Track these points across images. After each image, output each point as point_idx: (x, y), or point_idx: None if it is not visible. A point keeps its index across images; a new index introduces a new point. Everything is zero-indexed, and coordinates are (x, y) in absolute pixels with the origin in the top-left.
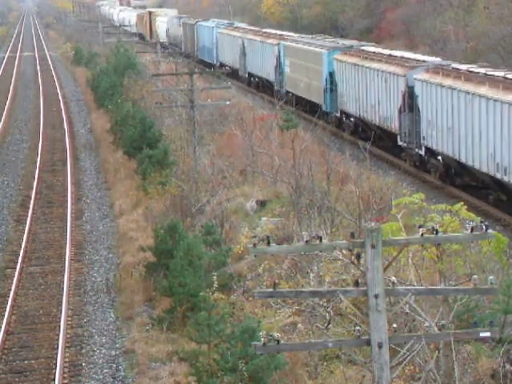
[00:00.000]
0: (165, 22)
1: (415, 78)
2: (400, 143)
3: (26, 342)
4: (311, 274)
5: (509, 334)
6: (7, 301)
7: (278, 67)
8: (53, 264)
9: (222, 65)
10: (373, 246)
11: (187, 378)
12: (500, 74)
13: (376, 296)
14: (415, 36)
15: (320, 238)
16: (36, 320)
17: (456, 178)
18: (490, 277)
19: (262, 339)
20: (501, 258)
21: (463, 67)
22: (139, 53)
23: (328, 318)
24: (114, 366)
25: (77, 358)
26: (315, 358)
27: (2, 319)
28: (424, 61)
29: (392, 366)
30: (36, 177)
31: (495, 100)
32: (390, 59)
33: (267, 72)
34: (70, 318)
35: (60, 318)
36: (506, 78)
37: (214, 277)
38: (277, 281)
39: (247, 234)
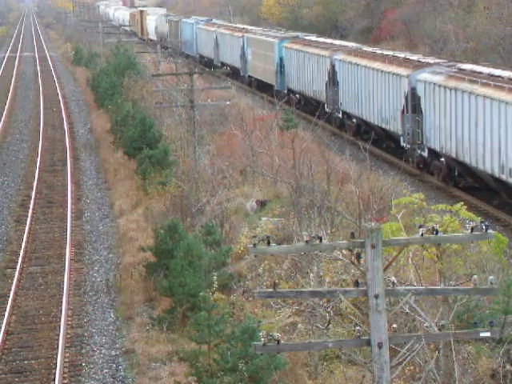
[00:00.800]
0: (154, 20)
1: (336, 58)
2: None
3: (26, 342)
4: (311, 274)
5: (509, 334)
6: (7, 301)
7: (243, 56)
8: (53, 264)
9: (200, 56)
10: (373, 246)
11: (187, 378)
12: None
13: (376, 296)
14: (415, 36)
15: (320, 238)
16: (36, 320)
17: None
18: (490, 277)
19: (262, 339)
20: (501, 258)
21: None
22: (139, 53)
23: (328, 318)
24: (114, 366)
25: (77, 357)
26: (315, 358)
27: (2, 319)
28: (344, 46)
29: (392, 366)
30: (36, 177)
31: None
32: (323, 45)
33: (235, 60)
34: (69, 318)
35: (60, 318)
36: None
37: (214, 277)
38: (277, 281)
39: (247, 234)
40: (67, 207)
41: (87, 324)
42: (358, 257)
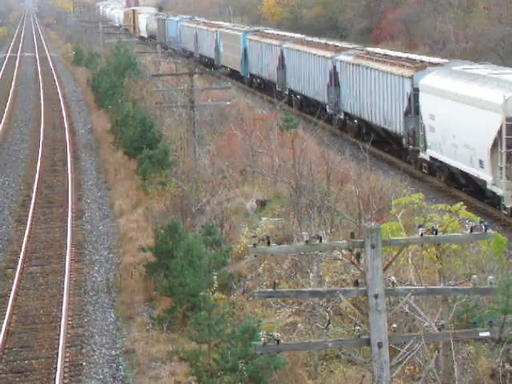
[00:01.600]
0: (144, 19)
1: (284, 47)
2: (277, 88)
3: (27, 342)
4: (311, 274)
5: (508, 334)
6: (8, 301)
7: (217, 48)
8: (53, 264)
9: (183, 50)
10: (373, 246)
11: (187, 377)
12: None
13: (376, 296)
14: (415, 36)
15: (320, 238)
16: (36, 320)
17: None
18: (490, 277)
19: (262, 339)
20: (500, 258)
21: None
22: (139, 53)
23: (328, 317)
24: (114, 365)
25: (77, 357)
26: (315, 357)
27: (3, 319)
28: (292, 37)
29: (392, 366)
30: (36, 177)
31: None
32: (276, 36)
33: (210, 52)
34: (70, 318)
35: (60, 318)
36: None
37: (214, 277)
38: (277, 281)
39: (247, 233)
40: (67, 207)
41: (87, 324)
42: (358, 257)
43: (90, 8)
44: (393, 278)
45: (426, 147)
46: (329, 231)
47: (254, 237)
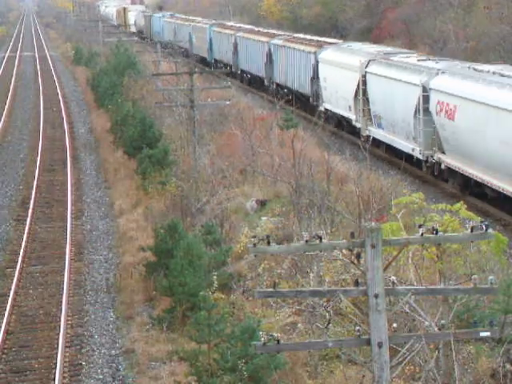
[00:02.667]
0: (133, 16)
1: (238, 36)
2: (232, 69)
3: (26, 342)
4: (311, 274)
5: (509, 334)
6: (7, 300)
7: (190, 40)
8: (53, 264)
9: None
10: (373, 246)
11: (187, 377)
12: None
13: (376, 296)
14: (415, 36)
15: (320, 238)
16: (36, 320)
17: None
18: (490, 277)
19: (262, 339)
20: (501, 258)
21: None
22: (139, 52)
23: (328, 317)
24: (114, 365)
25: (77, 357)
26: (315, 357)
27: (2, 319)
28: (245, 28)
29: (392, 366)
30: (36, 176)
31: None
32: (232, 27)
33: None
34: (69, 318)
35: (60, 318)
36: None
37: (214, 276)
38: (277, 280)
39: (247, 233)
40: (67, 207)
41: (87, 323)
42: (358, 256)
43: (90, 7)
44: (393, 277)
45: (322, 102)
46: (329, 231)
47: (254, 237)
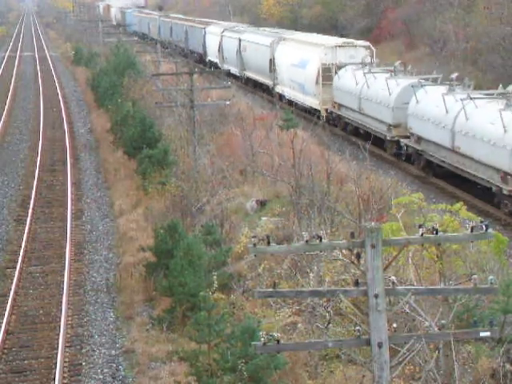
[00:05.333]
0: (113, 11)
1: (188, 25)
2: (185, 51)
3: (26, 342)
4: (311, 274)
5: (508, 334)
6: (7, 300)
7: (148, 27)
8: (53, 264)
9: (142, 33)
10: (373, 246)
11: (187, 377)
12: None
13: (376, 296)
14: (415, 36)
15: (320, 238)
16: (36, 320)
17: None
18: (490, 276)
19: (262, 339)
20: (500, 258)
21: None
22: (139, 52)
23: (328, 317)
24: (114, 365)
25: (77, 357)
26: (315, 357)
27: (2, 319)
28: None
29: (392, 366)
30: (36, 176)
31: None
32: (182, 19)
33: (154, 34)
34: (69, 318)
35: (60, 318)
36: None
37: (214, 277)
38: (277, 280)
39: (247, 233)
40: (67, 207)
41: (87, 324)
42: (358, 256)
43: (90, 7)
44: (393, 277)
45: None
46: (329, 231)
47: (254, 237)
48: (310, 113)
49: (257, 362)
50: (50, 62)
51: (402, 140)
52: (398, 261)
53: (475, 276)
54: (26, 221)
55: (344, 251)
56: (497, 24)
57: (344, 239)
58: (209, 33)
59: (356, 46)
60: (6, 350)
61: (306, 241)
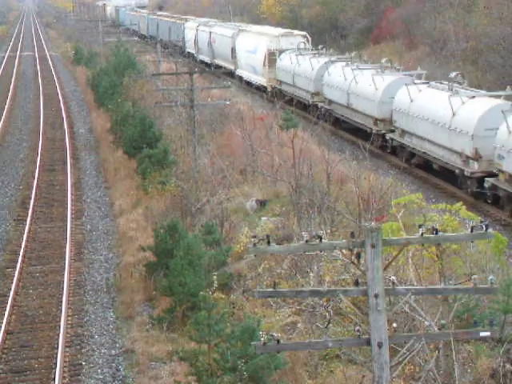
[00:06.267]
0: (109, 10)
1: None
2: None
3: (26, 342)
4: (311, 274)
5: (508, 334)
6: (7, 300)
7: (138, 24)
8: (53, 263)
9: (131, 29)
10: (373, 246)
11: (187, 377)
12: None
13: (376, 295)
14: (415, 36)
15: (320, 238)
16: (36, 319)
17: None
18: (490, 276)
19: (262, 339)
20: (500, 258)
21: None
22: (139, 52)
23: (328, 317)
24: (114, 365)
25: (77, 357)
26: (315, 357)
27: (2, 319)
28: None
29: (392, 366)
30: (36, 176)
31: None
32: (173, 17)
33: (140, 28)
34: (69, 318)
35: (60, 318)
36: None
37: (214, 276)
38: (277, 280)
39: (247, 233)
40: (67, 207)
41: (87, 323)
42: (358, 256)
43: (90, 7)
44: (393, 277)
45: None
46: (329, 231)
47: (254, 236)
48: (260, 89)
49: (257, 362)
50: (49, 61)
51: (319, 104)
52: (398, 261)
53: (475, 276)
54: (25, 221)
55: (344, 251)
56: (497, 24)
57: (344, 239)
58: (187, 28)
59: (295, 35)
60: (5, 350)
61: (306, 241)
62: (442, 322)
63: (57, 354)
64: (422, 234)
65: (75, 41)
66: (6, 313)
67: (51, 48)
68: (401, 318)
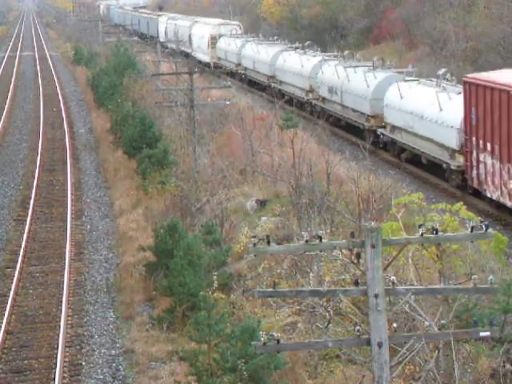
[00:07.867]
0: (102, 8)
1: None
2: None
3: (26, 342)
4: (311, 274)
5: (508, 334)
6: (7, 300)
7: (124, 19)
8: (53, 264)
9: (120, 25)
10: (373, 246)
11: (187, 377)
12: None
13: (376, 295)
14: (415, 35)
15: (320, 238)
16: (36, 319)
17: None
18: (490, 276)
19: (262, 339)
20: (500, 258)
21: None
22: (139, 52)
23: (328, 317)
24: (114, 365)
25: (77, 357)
26: (315, 357)
27: (2, 319)
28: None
29: (392, 366)
30: (36, 176)
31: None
32: (150, 13)
33: (127, 23)
34: (69, 318)
35: (60, 318)
36: None
37: (214, 276)
38: (277, 280)
39: (247, 233)
40: (67, 207)
41: (87, 323)
42: (358, 256)
43: (90, 7)
44: (393, 277)
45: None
46: (329, 231)
47: (254, 236)
48: (205, 65)
49: (257, 362)
50: (49, 61)
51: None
52: (398, 261)
53: (475, 276)
54: (25, 221)
55: (344, 251)
56: (497, 24)
57: (344, 239)
58: (160, 22)
59: (231, 24)
60: (5, 350)
61: (306, 241)
62: (442, 322)
63: (57, 354)
64: (422, 234)
65: (75, 41)
66: (6, 313)
67: (51, 48)
68: (401, 318)
